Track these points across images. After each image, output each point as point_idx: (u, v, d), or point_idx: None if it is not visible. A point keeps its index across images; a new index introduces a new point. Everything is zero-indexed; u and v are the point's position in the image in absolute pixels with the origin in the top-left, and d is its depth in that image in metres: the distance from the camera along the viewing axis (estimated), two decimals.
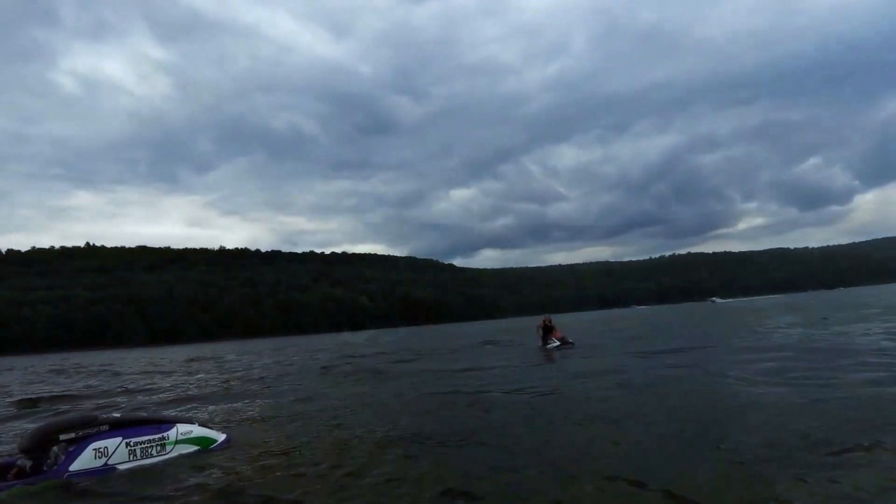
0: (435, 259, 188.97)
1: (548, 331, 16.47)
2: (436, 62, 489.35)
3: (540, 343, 16.52)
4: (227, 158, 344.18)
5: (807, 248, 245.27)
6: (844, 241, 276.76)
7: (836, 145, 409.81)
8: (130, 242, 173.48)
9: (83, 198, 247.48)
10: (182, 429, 5.27)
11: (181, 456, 5.12)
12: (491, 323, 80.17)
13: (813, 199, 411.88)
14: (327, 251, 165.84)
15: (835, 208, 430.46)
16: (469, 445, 5.10)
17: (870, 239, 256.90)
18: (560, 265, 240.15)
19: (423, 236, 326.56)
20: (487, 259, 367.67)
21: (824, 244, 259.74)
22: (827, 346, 10.54)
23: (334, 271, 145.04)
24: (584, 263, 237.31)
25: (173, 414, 7.62)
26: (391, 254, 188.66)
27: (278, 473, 4.54)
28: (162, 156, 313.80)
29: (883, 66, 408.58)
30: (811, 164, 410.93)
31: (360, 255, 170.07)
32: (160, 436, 5.06)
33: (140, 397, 11.12)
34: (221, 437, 5.61)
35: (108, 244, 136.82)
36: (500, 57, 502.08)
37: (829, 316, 20.49)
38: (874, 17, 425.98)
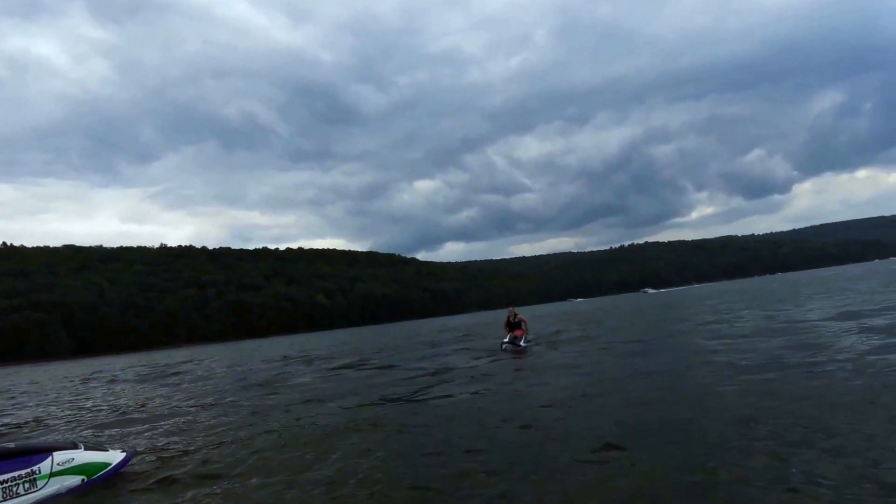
0: (398, 253, 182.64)
1: (513, 327, 14.30)
2: (399, 51, 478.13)
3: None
4: (172, 148, 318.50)
5: (752, 235, 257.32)
6: (786, 227, 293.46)
7: (776, 138, 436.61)
8: (56, 241, 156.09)
9: (2, 192, 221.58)
10: (60, 457, 4.52)
11: (59, 490, 4.45)
12: (454, 319, 76.93)
13: (757, 188, 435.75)
14: (282, 247, 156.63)
15: (777, 197, 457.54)
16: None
17: (808, 226, 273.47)
18: (524, 257, 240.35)
19: (385, 230, 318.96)
20: (452, 252, 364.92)
21: (768, 231, 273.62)
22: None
23: (290, 269, 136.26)
24: (547, 255, 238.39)
25: (55, 438, 6.64)
26: (352, 249, 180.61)
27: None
28: (97, 144, 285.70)
29: (816, 66, 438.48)
30: (755, 156, 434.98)
31: (318, 250, 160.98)
32: (28, 470, 4.33)
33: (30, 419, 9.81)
34: (119, 457, 4.92)
35: (29, 243, 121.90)
36: (463, 48, 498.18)
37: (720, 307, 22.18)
38: (809, 20, 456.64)
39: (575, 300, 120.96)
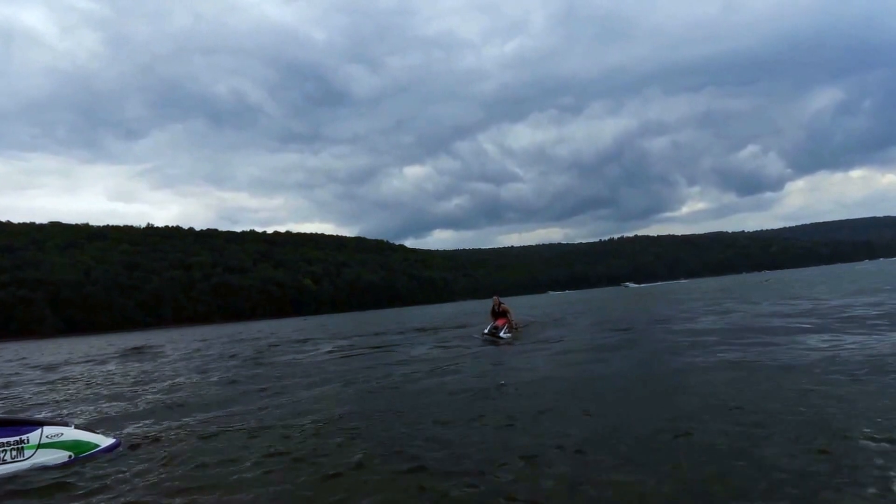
0: (386, 240, 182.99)
1: (497, 316, 14.17)
2: (392, 32, 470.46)
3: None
4: (160, 125, 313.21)
5: (743, 231, 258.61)
6: (777, 225, 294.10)
7: (771, 134, 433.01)
8: (42, 218, 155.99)
9: None
10: (49, 431, 4.64)
11: (45, 462, 4.55)
12: (440, 307, 77.81)
13: (750, 185, 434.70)
14: (270, 230, 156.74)
15: (769, 194, 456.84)
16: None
17: (798, 224, 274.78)
18: (513, 247, 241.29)
19: (374, 215, 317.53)
20: (440, 240, 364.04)
21: (758, 228, 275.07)
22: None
23: (277, 252, 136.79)
24: (536, 245, 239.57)
25: (46, 415, 6.73)
26: (340, 234, 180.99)
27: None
28: (85, 119, 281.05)
29: (814, 63, 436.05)
30: (749, 152, 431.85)
31: (305, 234, 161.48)
32: (17, 438, 4.47)
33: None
34: (108, 441, 4.98)
35: (15, 219, 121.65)
36: (458, 31, 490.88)
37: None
38: (809, 16, 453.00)
39: (553, 293, 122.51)
